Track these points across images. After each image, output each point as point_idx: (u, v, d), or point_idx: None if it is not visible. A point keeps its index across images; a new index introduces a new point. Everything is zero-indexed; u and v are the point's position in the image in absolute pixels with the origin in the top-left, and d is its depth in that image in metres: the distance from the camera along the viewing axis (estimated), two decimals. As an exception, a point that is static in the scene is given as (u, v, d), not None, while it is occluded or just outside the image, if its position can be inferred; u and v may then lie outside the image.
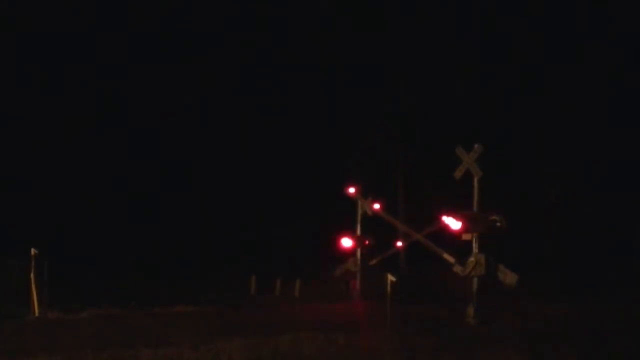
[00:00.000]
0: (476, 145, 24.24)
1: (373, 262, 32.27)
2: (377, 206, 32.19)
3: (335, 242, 32.96)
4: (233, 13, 48.35)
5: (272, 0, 47.58)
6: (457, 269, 24.99)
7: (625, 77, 41.27)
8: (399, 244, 32.45)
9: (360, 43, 44.85)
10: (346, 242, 32.68)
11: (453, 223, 24.07)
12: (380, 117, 44.71)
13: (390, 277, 22.47)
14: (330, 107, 46.55)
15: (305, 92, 47.08)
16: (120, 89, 48.40)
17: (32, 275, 23.44)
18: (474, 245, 24.12)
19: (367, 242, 32.76)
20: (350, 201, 33.31)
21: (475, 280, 24.08)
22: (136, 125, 49.18)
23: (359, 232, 32.96)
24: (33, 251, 23.45)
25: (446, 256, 26.65)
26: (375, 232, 33.35)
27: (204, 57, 48.17)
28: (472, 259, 23.93)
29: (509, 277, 23.86)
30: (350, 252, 32.89)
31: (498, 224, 23.88)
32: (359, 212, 32.81)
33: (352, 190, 32.67)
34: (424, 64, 43.54)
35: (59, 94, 47.88)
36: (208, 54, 48.52)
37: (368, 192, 33.18)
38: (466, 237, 24.08)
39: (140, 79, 47.96)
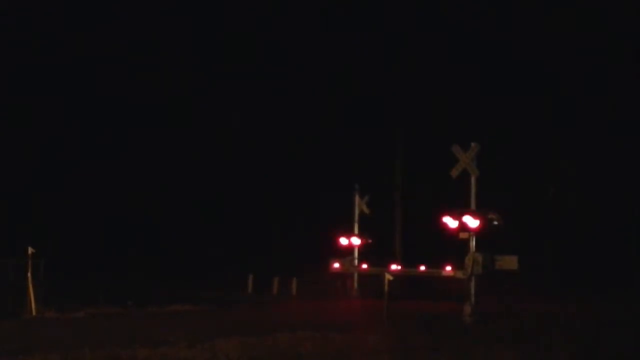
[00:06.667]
0: (473, 144, 24.22)
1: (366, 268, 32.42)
2: (364, 266, 32.48)
3: (333, 241, 32.98)
4: (233, 12, 48.42)
5: (272, 2, 47.63)
6: (459, 274, 25.04)
7: (625, 76, 41.20)
8: (395, 266, 32.45)
9: (359, 43, 44.84)
10: (344, 241, 32.68)
11: (450, 222, 24.06)
12: (379, 118, 44.72)
13: (388, 276, 22.49)
14: (330, 107, 46.54)
15: (305, 93, 47.07)
16: (118, 91, 48.48)
17: (29, 274, 23.42)
18: (471, 244, 24.10)
19: (365, 241, 32.78)
20: (347, 201, 33.35)
21: (472, 279, 24.06)
22: (134, 125, 49.23)
23: (356, 231, 32.96)
24: (30, 250, 23.42)
25: (445, 273, 26.96)
26: (373, 231, 33.38)
27: (199, 57, 48.28)
28: (469, 258, 23.90)
29: (508, 262, 23.87)
30: (348, 251, 32.89)
31: (495, 222, 23.87)
32: (356, 211, 32.81)
33: (336, 265, 32.94)
34: (424, 64, 43.52)
35: (55, 94, 47.96)
36: (205, 55, 48.60)
37: (365, 192, 33.19)
38: (463, 235, 24.06)
39: (137, 78, 48.01)
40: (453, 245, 25.57)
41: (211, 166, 48.65)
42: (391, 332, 19.05)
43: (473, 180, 24.19)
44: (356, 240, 33.07)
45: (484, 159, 24.65)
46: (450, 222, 23.97)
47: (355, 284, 32.78)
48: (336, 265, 33.01)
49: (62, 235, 44.40)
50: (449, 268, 28.27)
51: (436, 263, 30.80)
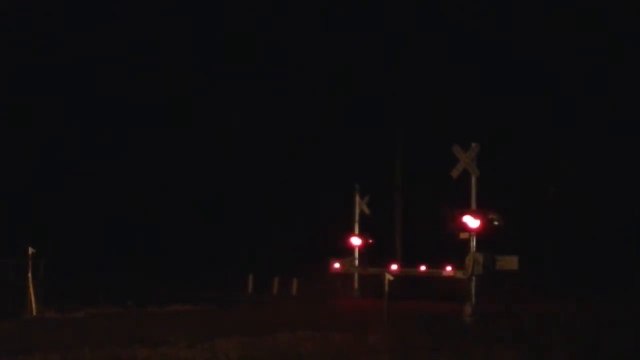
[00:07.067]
0: (473, 144, 24.22)
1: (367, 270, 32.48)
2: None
3: (332, 241, 32.97)
4: (233, 12, 48.45)
5: (272, 2, 47.66)
6: (459, 274, 25.06)
7: (625, 76, 41.19)
8: (394, 267, 32.42)
9: (359, 43, 44.86)
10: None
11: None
12: (380, 116, 44.73)
13: (388, 276, 22.51)
14: (330, 107, 46.57)
15: (305, 93, 47.09)
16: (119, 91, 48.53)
17: (29, 274, 23.40)
18: (472, 244, 24.09)
19: (368, 241, 32.79)
20: (347, 201, 33.34)
21: (472, 279, 24.05)
22: (134, 125, 49.26)
23: (356, 231, 32.94)
24: (30, 250, 23.40)
25: (445, 273, 26.99)
26: (373, 230, 33.36)
27: (199, 57, 48.34)
28: (469, 258, 23.90)
29: (509, 262, 23.87)
30: (349, 251, 32.89)
31: (496, 222, 23.86)
32: (357, 211, 32.80)
33: (337, 265, 32.91)
34: (424, 64, 43.55)
35: (55, 94, 48.03)
36: (205, 55, 48.65)
37: (365, 192, 33.20)
38: (464, 236, 24.05)
39: (137, 78, 48.05)
40: (453, 245, 25.56)
41: (211, 166, 48.67)
42: (391, 332, 19.03)
43: (473, 180, 24.18)
44: (356, 240, 33.05)
45: (484, 159, 24.63)
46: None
47: (356, 284, 32.76)
48: (336, 265, 33.00)
49: (62, 235, 44.41)
50: (449, 268, 28.29)
51: (436, 263, 30.82)
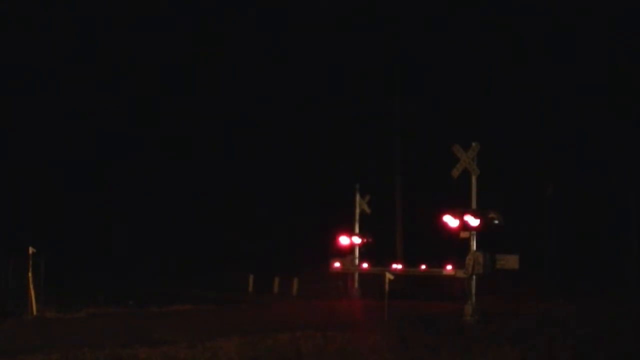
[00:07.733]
0: (474, 144, 24.22)
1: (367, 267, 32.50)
2: (365, 265, 32.42)
3: (333, 240, 32.95)
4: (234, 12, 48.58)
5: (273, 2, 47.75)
6: (460, 273, 25.06)
7: (624, 73, 41.25)
8: (398, 266, 32.39)
9: (360, 43, 44.91)
10: (344, 240, 32.66)
11: (451, 221, 24.04)
12: (379, 116, 44.76)
13: (389, 276, 22.52)
14: (330, 106, 46.60)
15: (306, 92, 47.12)
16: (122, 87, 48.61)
17: (29, 274, 23.39)
18: (472, 244, 24.10)
19: (365, 240, 32.77)
20: (348, 199, 33.34)
21: (473, 278, 24.06)
22: (134, 124, 49.29)
23: (357, 230, 32.93)
24: (30, 250, 23.39)
25: (446, 272, 26.99)
26: (374, 230, 33.34)
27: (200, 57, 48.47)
28: (469, 257, 23.90)
29: (509, 261, 23.87)
30: (348, 251, 32.85)
31: (496, 221, 23.85)
32: (357, 210, 32.79)
33: (337, 265, 32.94)
34: (423, 62, 43.62)
35: (54, 94, 48.03)
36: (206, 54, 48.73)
37: (366, 191, 33.20)
38: (464, 235, 24.05)
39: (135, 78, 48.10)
40: (454, 245, 25.56)
41: (211, 166, 48.69)
42: (391, 332, 19.03)
43: (474, 179, 24.19)
44: (357, 240, 33.04)
45: (484, 159, 24.63)
46: (451, 221, 23.95)
47: (356, 284, 32.75)
48: (337, 264, 33.00)
49: (62, 235, 44.41)
50: (449, 267, 28.29)
51: (437, 262, 30.80)
